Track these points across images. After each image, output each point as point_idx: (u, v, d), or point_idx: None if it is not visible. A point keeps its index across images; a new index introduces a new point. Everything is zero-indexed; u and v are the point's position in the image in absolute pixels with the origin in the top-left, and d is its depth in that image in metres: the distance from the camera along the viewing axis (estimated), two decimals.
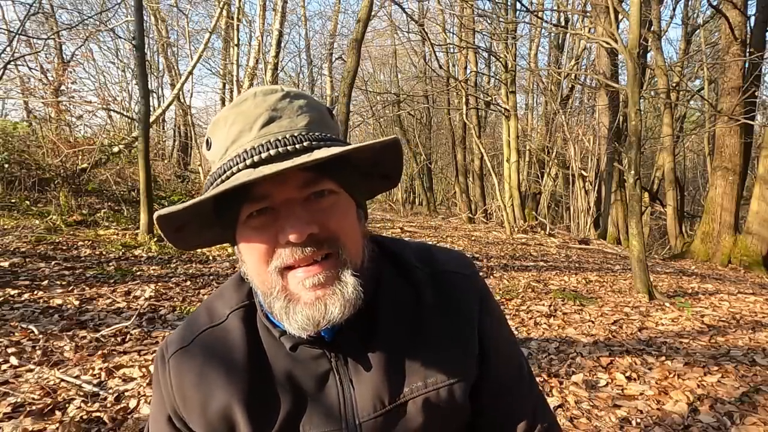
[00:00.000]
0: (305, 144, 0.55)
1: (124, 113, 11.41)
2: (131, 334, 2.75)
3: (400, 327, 0.66)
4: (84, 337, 2.65)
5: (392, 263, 0.71)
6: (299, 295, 0.57)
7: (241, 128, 0.57)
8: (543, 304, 4.00)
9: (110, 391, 2.09)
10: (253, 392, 0.63)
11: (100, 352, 2.47)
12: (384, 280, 0.68)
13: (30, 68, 9.31)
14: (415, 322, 0.67)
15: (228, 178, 0.55)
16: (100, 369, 2.28)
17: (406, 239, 0.82)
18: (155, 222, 0.56)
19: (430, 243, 0.83)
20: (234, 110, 0.59)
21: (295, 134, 0.56)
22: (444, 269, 0.72)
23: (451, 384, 0.66)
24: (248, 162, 0.54)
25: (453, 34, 14.74)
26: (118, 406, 1.97)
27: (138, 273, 4.15)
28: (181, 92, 10.98)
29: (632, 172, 4.39)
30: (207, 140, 0.62)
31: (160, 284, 3.83)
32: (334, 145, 0.57)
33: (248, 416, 0.62)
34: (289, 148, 0.54)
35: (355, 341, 0.64)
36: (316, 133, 0.57)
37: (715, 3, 8.93)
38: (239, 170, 0.55)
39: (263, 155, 0.54)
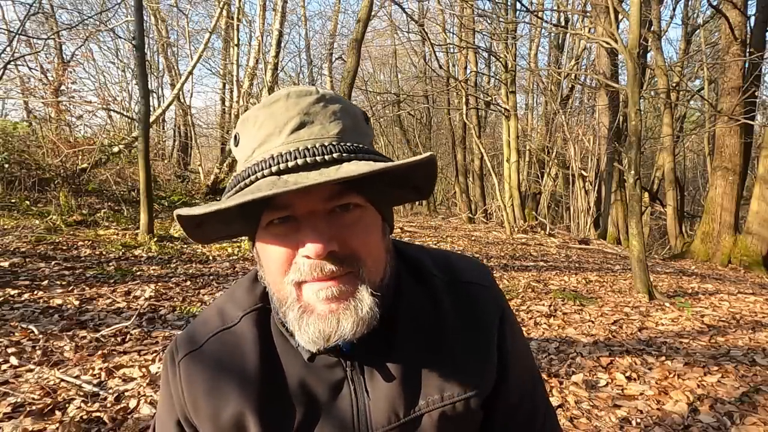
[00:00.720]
0: (335, 155, 0.53)
1: (124, 113, 11.42)
2: (131, 334, 2.75)
3: (418, 338, 0.65)
4: (84, 337, 2.65)
5: (410, 270, 0.70)
6: (313, 306, 0.55)
7: (270, 131, 0.55)
8: (543, 304, 4.00)
9: (110, 391, 2.09)
10: (266, 400, 0.62)
11: (100, 352, 2.47)
12: (403, 288, 0.66)
13: (30, 68, 9.32)
14: (434, 333, 0.66)
15: (252, 182, 0.54)
16: (100, 369, 2.28)
17: (425, 245, 0.80)
18: (176, 219, 0.55)
19: (449, 250, 0.81)
20: (264, 110, 0.57)
21: (326, 143, 0.54)
22: (464, 279, 0.70)
23: (468, 398, 0.65)
24: (273, 169, 0.52)
25: (453, 34, 14.74)
26: (118, 406, 1.97)
27: (138, 273, 4.15)
28: (181, 92, 10.99)
29: (632, 172, 4.39)
30: (235, 136, 0.60)
31: (160, 284, 3.83)
32: (365, 158, 0.54)
33: (261, 425, 0.61)
34: (317, 158, 0.52)
35: (372, 350, 0.62)
36: (348, 144, 0.55)
37: (715, 3, 8.93)
38: (263, 176, 0.53)
39: (290, 164, 0.52)
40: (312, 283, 0.55)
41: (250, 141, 0.57)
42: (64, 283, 3.62)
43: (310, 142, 0.54)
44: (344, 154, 0.54)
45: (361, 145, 0.56)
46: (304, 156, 0.52)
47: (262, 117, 0.57)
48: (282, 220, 0.55)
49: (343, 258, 0.54)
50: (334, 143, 0.54)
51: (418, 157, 0.53)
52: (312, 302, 0.56)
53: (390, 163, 0.51)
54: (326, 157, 0.53)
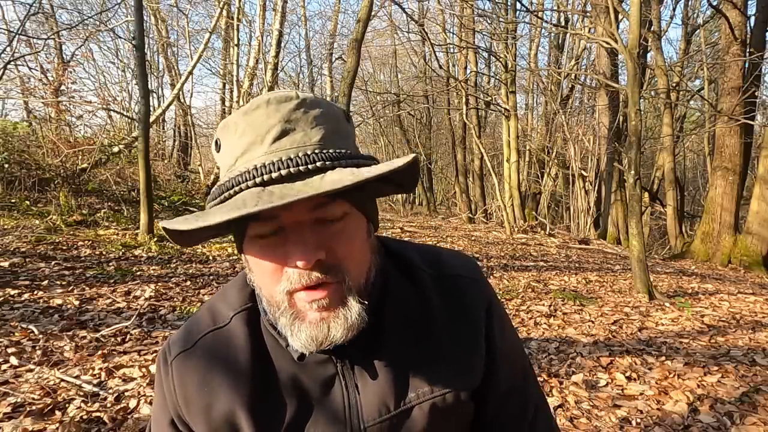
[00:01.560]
0: (318, 164, 0.53)
1: (124, 113, 11.41)
2: (131, 334, 2.75)
3: (406, 332, 0.66)
4: (84, 337, 2.65)
5: (398, 265, 0.70)
6: (305, 314, 0.57)
7: (251, 140, 0.55)
8: (543, 304, 4.00)
9: (110, 391, 2.09)
10: (257, 397, 0.63)
11: (100, 352, 2.47)
12: (390, 284, 0.68)
13: (30, 68, 9.32)
14: (422, 327, 0.67)
15: (236, 193, 0.54)
16: (100, 369, 2.28)
17: (412, 241, 0.81)
18: (161, 229, 0.56)
19: (438, 246, 0.82)
20: (245, 118, 0.57)
21: (308, 152, 0.54)
22: (451, 273, 0.71)
23: (457, 389, 0.66)
24: (257, 180, 0.53)
25: (453, 34, 14.75)
26: (118, 406, 1.97)
27: (138, 273, 4.15)
28: (181, 92, 10.99)
29: (632, 172, 4.39)
30: (216, 141, 0.61)
31: (160, 284, 3.83)
32: (349, 164, 0.55)
33: (252, 421, 0.62)
34: (301, 168, 0.53)
35: (362, 347, 0.63)
36: (330, 151, 0.55)
37: (715, 3, 8.93)
38: (248, 188, 0.53)
39: (273, 175, 0.53)
40: (302, 292, 0.56)
41: (233, 149, 0.57)
42: (64, 283, 3.62)
43: (293, 152, 0.54)
44: (327, 162, 0.54)
45: (343, 151, 0.57)
46: (288, 166, 0.53)
47: (243, 125, 0.56)
48: (269, 231, 0.56)
49: (329, 266, 0.55)
50: (317, 151, 0.55)
51: (402, 162, 0.52)
52: (304, 309, 0.57)
53: (373, 172, 0.51)
54: (309, 166, 0.53)
